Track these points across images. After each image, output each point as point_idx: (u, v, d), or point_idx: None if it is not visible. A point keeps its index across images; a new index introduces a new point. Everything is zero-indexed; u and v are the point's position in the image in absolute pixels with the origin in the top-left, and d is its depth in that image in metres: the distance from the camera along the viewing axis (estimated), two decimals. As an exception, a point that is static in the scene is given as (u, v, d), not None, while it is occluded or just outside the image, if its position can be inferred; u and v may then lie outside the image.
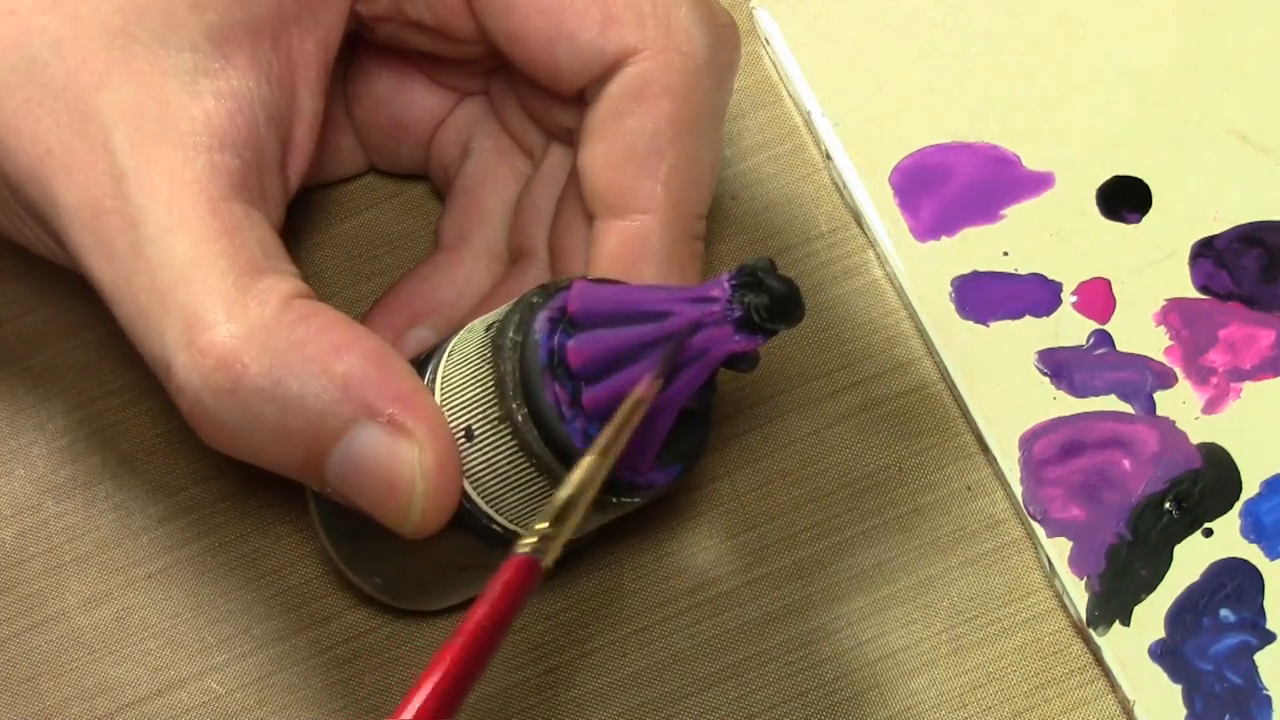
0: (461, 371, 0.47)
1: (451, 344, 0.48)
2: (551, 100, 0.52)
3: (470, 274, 0.55)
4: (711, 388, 0.47)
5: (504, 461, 0.46)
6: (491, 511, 0.47)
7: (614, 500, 0.47)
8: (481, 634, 0.41)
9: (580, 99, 0.51)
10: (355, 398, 0.45)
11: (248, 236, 0.46)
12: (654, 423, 0.46)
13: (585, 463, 0.44)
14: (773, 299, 0.45)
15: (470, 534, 0.48)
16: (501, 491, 0.47)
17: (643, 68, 0.49)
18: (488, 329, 0.47)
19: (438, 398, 0.47)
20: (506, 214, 0.55)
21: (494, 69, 0.55)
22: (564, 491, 0.44)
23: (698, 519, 0.56)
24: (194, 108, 0.46)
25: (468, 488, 0.47)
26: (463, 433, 0.47)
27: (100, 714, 0.55)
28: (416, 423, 0.46)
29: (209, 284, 0.45)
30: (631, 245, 0.49)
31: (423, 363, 0.49)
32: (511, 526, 0.47)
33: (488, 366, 0.46)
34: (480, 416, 0.46)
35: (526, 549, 0.43)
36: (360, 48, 0.55)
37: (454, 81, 0.56)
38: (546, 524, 0.43)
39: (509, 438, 0.46)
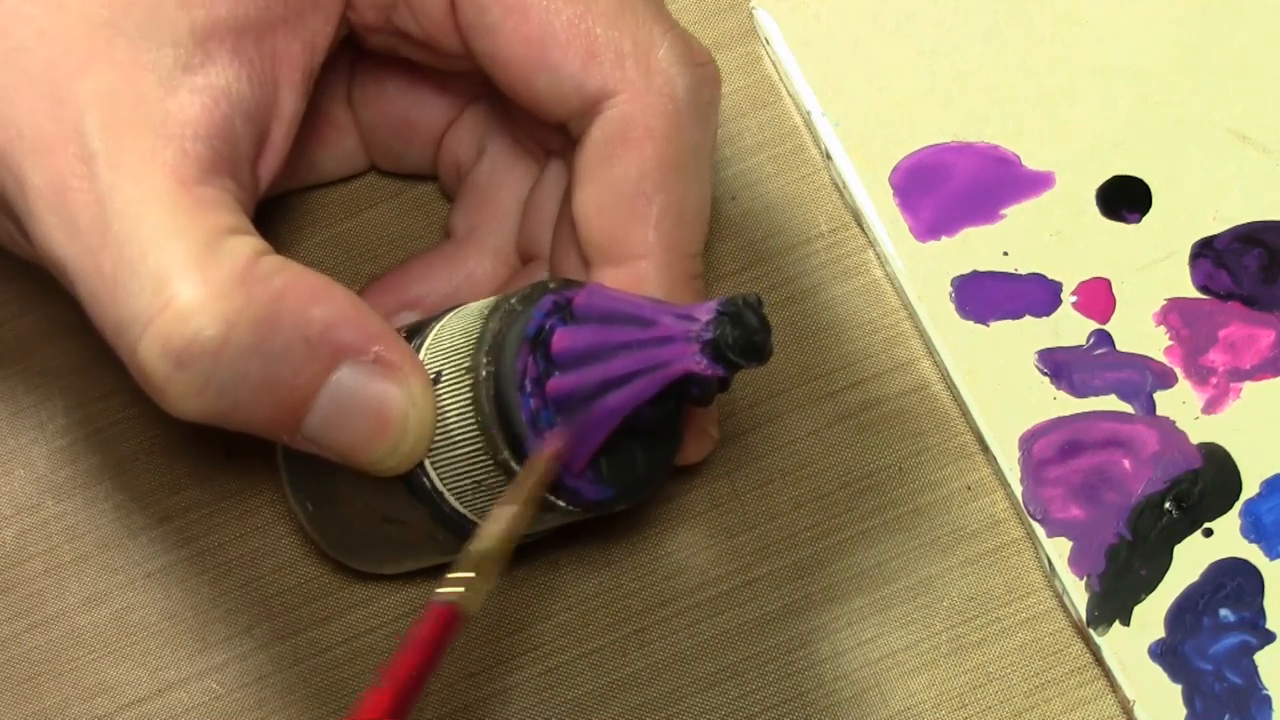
0: (462, 322, 0.48)
1: (467, 304, 0.49)
2: (538, 123, 0.53)
3: (474, 269, 0.55)
4: (667, 411, 0.47)
5: (453, 414, 0.47)
6: (426, 463, 0.48)
7: (545, 496, 0.47)
8: (408, 682, 0.42)
9: (563, 129, 0.51)
10: (339, 340, 0.46)
11: (218, 211, 0.46)
12: (591, 426, 0.46)
13: (498, 514, 0.45)
14: (745, 333, 0.45)
15: (400, 483, 0.48)
16: (441, 445, 0.47)
17: (623, 111, 0.49)
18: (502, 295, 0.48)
19: (430, 341, 0.48)
20: (520, 214, 0.55)
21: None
22: (480, 544, 0.44)
23: (698, 518, 0.56)
24: (169, 100, 0.46)
25: None
26: (434, 375, 0.47)
27: (100, 714, 0.55)
28: (402, 358, 0.46)
29: (180, 248, 0.45)
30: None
31: (417, 329, 0.49)
32: (439, 485, 0.48)
33: (481, 321, 0.47)
34: (452, 364, 0.47)
35: (444, 596, 0.43)
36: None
37: (459, 87, 0.56)
38: (465, 572, 0.43)
39: (467, 390, 0.47)
